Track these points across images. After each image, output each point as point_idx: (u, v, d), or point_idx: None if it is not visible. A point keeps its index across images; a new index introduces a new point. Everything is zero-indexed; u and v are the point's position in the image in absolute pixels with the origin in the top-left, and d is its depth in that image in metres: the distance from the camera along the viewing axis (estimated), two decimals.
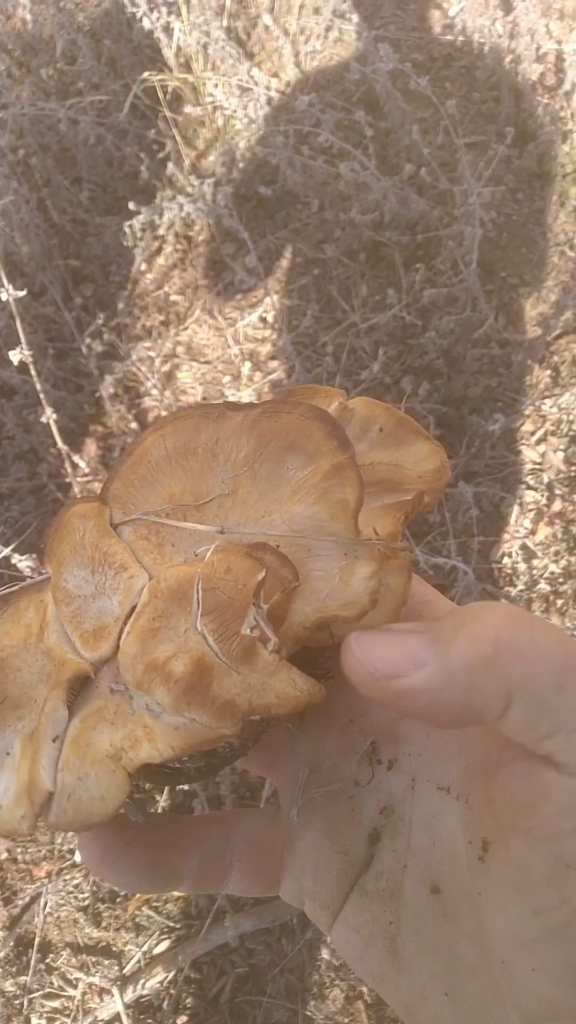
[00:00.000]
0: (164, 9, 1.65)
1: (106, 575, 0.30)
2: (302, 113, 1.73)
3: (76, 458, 1.28)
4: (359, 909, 0.31)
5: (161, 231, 1.65)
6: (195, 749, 0.26)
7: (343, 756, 0.33)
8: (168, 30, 1.69)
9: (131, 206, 1.56)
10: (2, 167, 1.64)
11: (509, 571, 1.37)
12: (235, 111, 1.76)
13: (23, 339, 1.10)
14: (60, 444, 1.16)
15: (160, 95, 1.70)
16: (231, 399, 1.59)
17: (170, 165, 1.71)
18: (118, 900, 1.18)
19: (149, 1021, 1.10)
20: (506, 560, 1.38)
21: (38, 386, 1.07)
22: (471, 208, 1.55)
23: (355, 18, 1.95)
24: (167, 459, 0.31)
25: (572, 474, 1.43)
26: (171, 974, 1.12)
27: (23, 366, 1.13)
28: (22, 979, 1.12)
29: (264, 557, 0.28)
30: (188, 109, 1.78)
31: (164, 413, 1.58)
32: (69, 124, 1.70)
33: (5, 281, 1.12)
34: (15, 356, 1.06)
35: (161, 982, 1.11)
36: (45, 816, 0.27)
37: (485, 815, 0.28)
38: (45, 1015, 1.12)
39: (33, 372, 1.13)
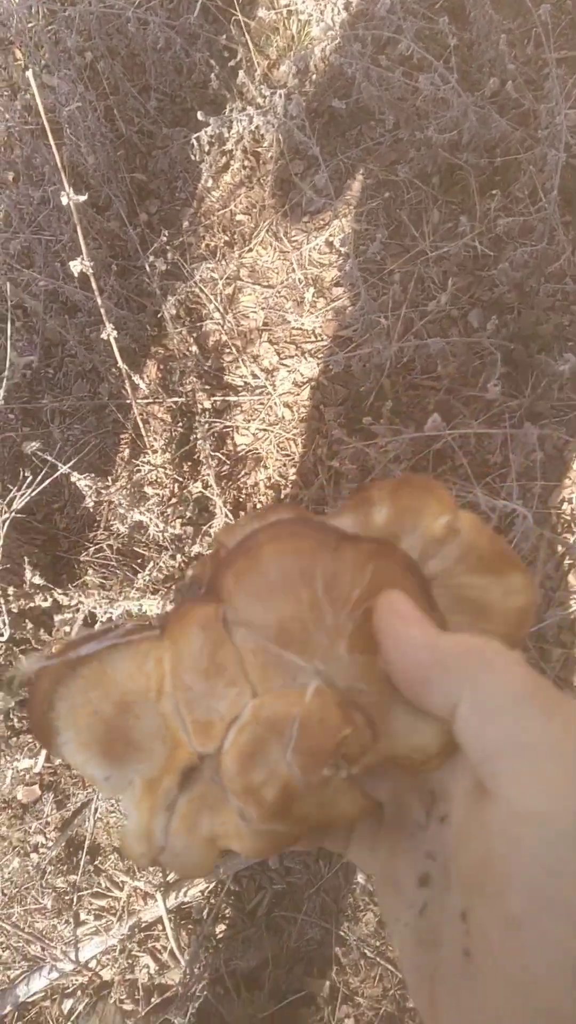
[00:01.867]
0: None
1: (217, 683, 0.31)
2: (382, 20, 1.42)
3: (136, 379, 1.10)
4: (414, 951, 0.28)
5: (229, 145, 1.40)
6: (273, 851, 0.30)
7: (413, 796, 0.31)
8: None
9: (200, 116, 1.31)
10: (69, 70, 1.39)
11: (568, 517, 1.18)
12: (311, 15, 1.45)
13: (84, 249, 0.90)
14: (120, 363, 0.98)
15: None
16: (295, 324, 1.38)
17: (241, 74, 1.44)
18: None
19: (189, 926, 1.02)
20: (565, 506, 1.18)
21: (99, 301, 0.89)
22: (557, 129, 1.26)
23: None
24: (284, 582, 0.30)
25: None
26: (212, 885, 1.02)
27: (86, 281, 0.94)
28: (72, 878, 1.04)
29: (354, 716, 0.29)
30: (262, 13, 1.48)
31: (226, 338, 1.38)
32: (138, 25, 1.42)
33: (67, 184, 0.91)
34: (76, 267, 0.87)
35: (202, 892, 1.02)
36: (157, 857, 0.30)
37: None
38: (93, 911, 1.04)
39: (95, 286, 0.94)
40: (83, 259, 0.91)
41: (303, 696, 0.29)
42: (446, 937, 0.27)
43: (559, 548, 1.14)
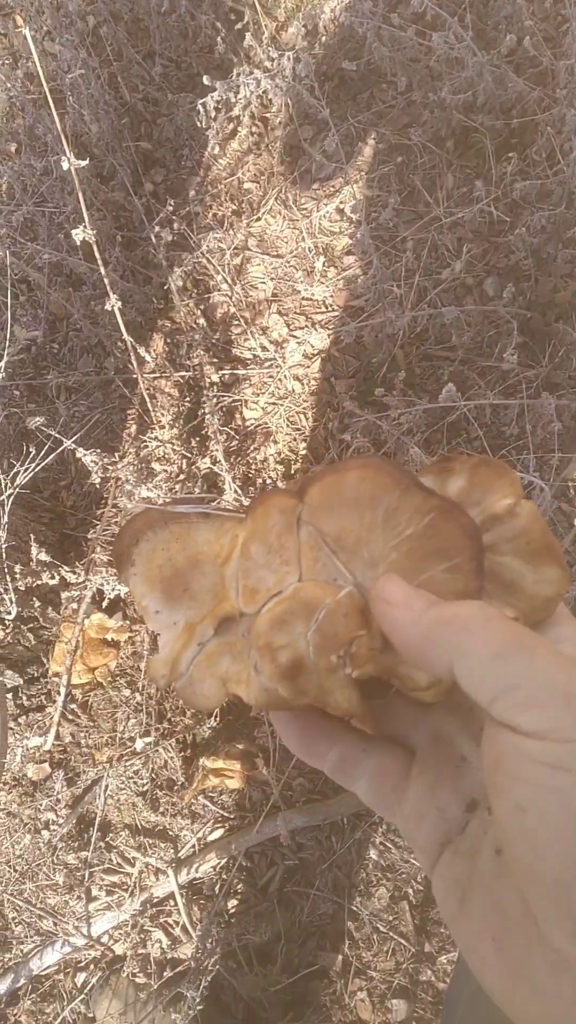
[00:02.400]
0: None
1: (275, 559, 0.35)
2: None
3: (142, 352, 1.08)
4: (450, 864, 0.32)
5: (236, 111, 1.37)
6: (269, 707, 0.34)
7: (460, 735, 0.35)
8: None
9: (206, 81, 1.27)
10: (71, 36, 1.36)
11: None
12: None
13: (85, 216, 0.88)
14: (125, 335, 0.97)
15: None
16: (304, 294, 1.35)
17: (248, 37, 1.40)
18: (176, 788, 1.09)
19: (201, 902, 1.02)
20: None
21: (103, 271, 0.87)
22: (575, 88, 1.22)
23: None
24: (356, 500, 0.35)
25: None
26: (224, 861, 1.02)
27: (90, 253, 0.92)
28: (83, 854, 1.05)
29: (372, 623, 0.33)
30: None
31: (234, 310, 1.35)
32: None
33: (68, 151, 0.89)
34: (78, 235, 0.85)
35: (214, 867, 1.02)
36: (174, 683, 0.35)
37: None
38: (104, 887, 1.04)
39: (98, 256, 0.92)
40: (85, 227, 0.89)
41: (338, 593, 0.34)
42: (483, 845, 0.31)
43: (573, 520, 1.12)
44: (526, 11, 1.35)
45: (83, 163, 0.90)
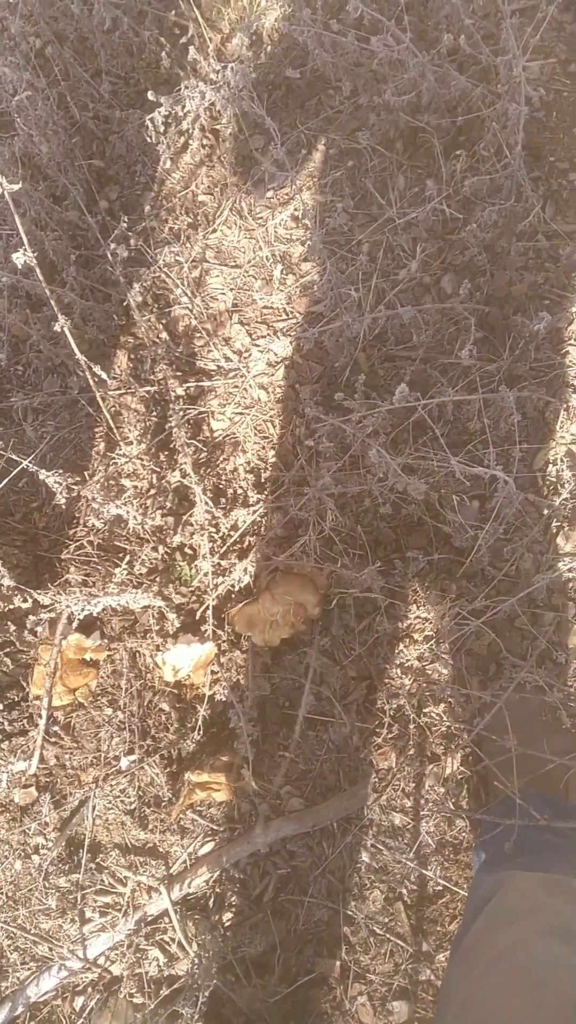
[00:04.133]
0: None
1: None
2: None
3: (99, 370, 1.09)
4: None
5: (186, 124, 1.38)
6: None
7: None
8: None
9: (151, 96, 1.29)
10: (15, 57, 1.38)
11: (553, 479, 1.17)
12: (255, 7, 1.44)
13: (24, 238, 0.90)
14: (79, 355, 0.98)
15: None
16: (264, 303, 1.37)
17: (192, 50, 1.42)
18: (163, 804, 1.09)
19: (196, 917, 1.02)
20: (551, 468, 1.18)
21: (47, 291, 0.88)
22: (516, 83, 1.25)
23: None
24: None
25: None
26: (216, 874, 1.03)
27: (47, 275, 0.93)
28: (75, 877, 1.05)
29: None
30: None
31: (195, 323, 1.37)
32: (82, 6, 1.41)
33: (1, 177, 0.90)
34: (18, 259, 0.87)
35: (207, 881, 1.03)
36: None
37: None
38: (98, 909, 1.05)
39: (41, 278, 0.93)
40: (24, 250, 0.91)
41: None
42: None
43: (544, 512, 1.14)
44: (464, 10, 1.38)
45: (15, 187, 0.91)
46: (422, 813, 1.03)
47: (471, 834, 1.02)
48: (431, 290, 1.33)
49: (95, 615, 1.19)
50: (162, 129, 1.36)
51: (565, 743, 1.00)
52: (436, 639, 1.10)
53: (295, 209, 1.41)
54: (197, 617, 1.22)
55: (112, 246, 1.30)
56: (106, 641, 1.21)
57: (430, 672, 1.10)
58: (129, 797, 1.09)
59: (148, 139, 1.37)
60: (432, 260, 1.34)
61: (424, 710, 1.08)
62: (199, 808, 1.08)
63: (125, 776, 1.10)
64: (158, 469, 1.31)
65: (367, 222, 1.39)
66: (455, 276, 1.32)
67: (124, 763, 1.11)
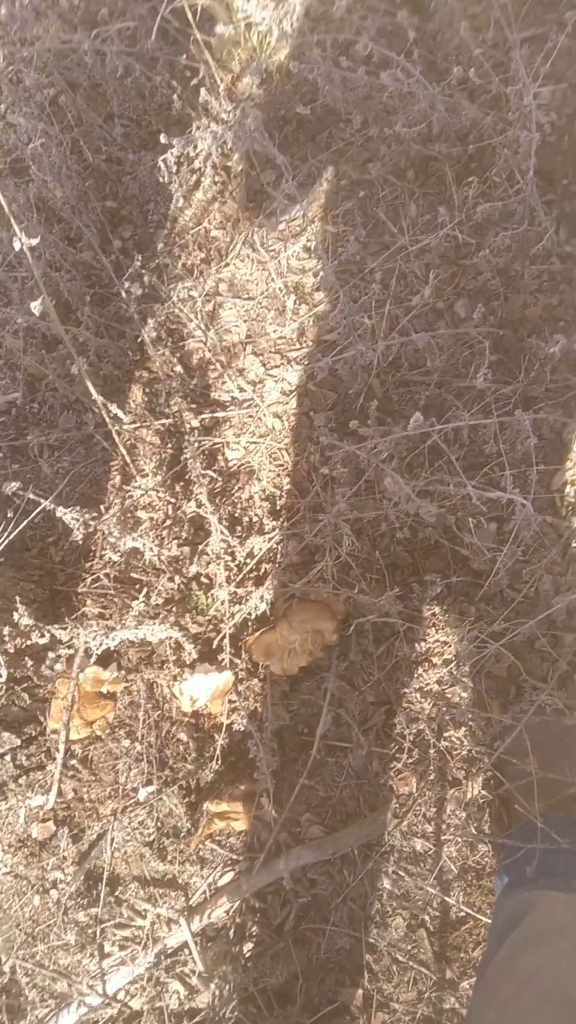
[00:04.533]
0: None
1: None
2: (340, 20, 1.66)
3: (115, 409, 1.31)
4: None
5: (197, 163, 1.63)
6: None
7: None
8: None
9: (163, 139, 1.54)
10: (30, 107, 1.65)
11: (572, 500, 1.34)
12: (269, 25, 1.70)
13: (40, 285, 1.12)
14: (95, 395, 1.19)
15: (189, 16, 1.66)
16: (278, 333, 1.59)
17: (203, 92, 1.68)
18: (182, 835, 1.25)
19: (217, 948, 1.17)
20: (568, 489, 1.35)
21: (63, 336, 1.10)
22: (527, 110, 1.47)
23: None
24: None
25: None
26: (236, 904, 1.18)
27: (63, 316, 1.15)
28: (93, 911, 1.21)
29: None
30: (220, 29, 1.73)
31: (209, 355, 1.59)
32: (95, 56, 1.68)
33: (18, 229, 1.13)
34: (36, 307, 1.08)
35: (227, 912, 1.18)
36: None
37: None
38: (117, 943, 1.20)
39: (54, 317, 1.16)
40: (43, 298, 1.13)
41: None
42: None
43: (563, 533, 1.30)
44: (473, 41, 1.62)
45: (34, 241, 1.13)
46: (443, 838, 1.17)
47: (494, 859, 1.15)
48: (445, 315, 1.53)
49: (112, 647, 1.38)
50: (174, 169, 1.60)
51: None
52: (456, 662, 1.26)
53: (307, 240, 1.64)
54: (214, 646, 1.40)
55: (126, 284, 1.53)
56: (123, 673, 1.39)
57: (450, 696, 1.25)
58: (148, 828, 1.25)
59: (160, 179, 1.62)
60: (445, 285, 1.54)
61: (444, 734, 1.23)
62: (218, 838, 1.23)
63: (143, 807, 1.26)
64: (174, 500, 1.50)
65: (379, 250, 1.60)
66: (468, 300, 1.52)
67: (142, 794, 1.27)
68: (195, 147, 1.53)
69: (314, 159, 1.67)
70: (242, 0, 1.67)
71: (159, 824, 1.25)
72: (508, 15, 1.66)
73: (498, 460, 1.36)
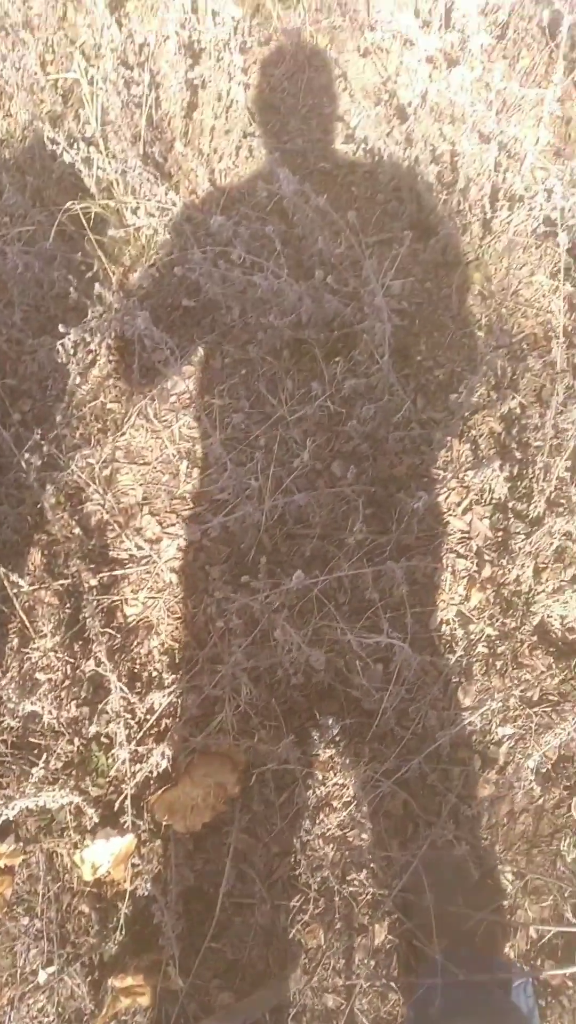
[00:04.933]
0: (83, 144, 1.85)
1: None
2: (217, 231, 1.91)
3: (15, 577, 1.37)
4: None
5: (93, 345, 1.80)
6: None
7: None
8: (88, 162, 1.88)
9: (61, 328, 1.70)
10: None
11: (448, 638, 1.47)
12: (155, 229, 1.94)
13: None
14: None
15: (84, 221, 1.88)
16: (173, 495, 1.71)
17: (98, 285, 1.87)
18: (86, 1019, 1.19)
19: None
20: (444, 628, 1.48)
21: None
22: (378, 306, 1.72)
23: (263, 135, 2.18)
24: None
25: (499, 540, 1.55)
26: None
27: None
28: None
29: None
30: (112, 232, 1.96)
31: (107, 517, 1.68)
32: None
33: None
34: None
35: None
36: None
37: None
38: None
39: None
40: None
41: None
42: None
43: (443, 670, 1.42)
44: (332, 245, 1.91)
45: None
46: (354, 991, 1.17)
47: (404, 1005, 1.16)
48: (323, 474, 1.70)
49: (10, 818, 1.35)
50: (72, 352, 1.76)
51: (480, 897, 1.19)
52: (355, 804, 1.31)
53: (196, 411, 1.80)
54: (116, 808, 1.39)
55: (26, 456, 1.63)
56: (21, 844, 1.35)
57: (351, 839, 1.29)
58: (48, 1016, 1.19)
59: (59, 360, 1.77)
60: (322, 449, 1.73)
61: (348, 878, 1.25)
62: (124, 1017, 1.18)
63: (43, 992, 1.20)
64: (72, 660, 1.54)
65: (262, 419, 1.78)
66: (343, 462, 1.70)
67: (42, 977, 1.21)
68: (92, 334, 1.69)
69: (200, 341, 1.87)
70: (129, 212, 1.91)
71: (60, 1009, 1.19)
72: (356, 231, 1.97)
73: (380, 603, 1.48)
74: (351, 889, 1.25)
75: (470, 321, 1.90)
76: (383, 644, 1.39)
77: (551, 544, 1.50)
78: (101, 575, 1.62)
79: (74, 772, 1.44)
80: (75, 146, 1.84)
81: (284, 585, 1.47)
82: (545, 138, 2.03)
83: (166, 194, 1.98)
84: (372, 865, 1.26)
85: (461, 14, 2.27)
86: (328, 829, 1.30)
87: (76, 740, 1.46)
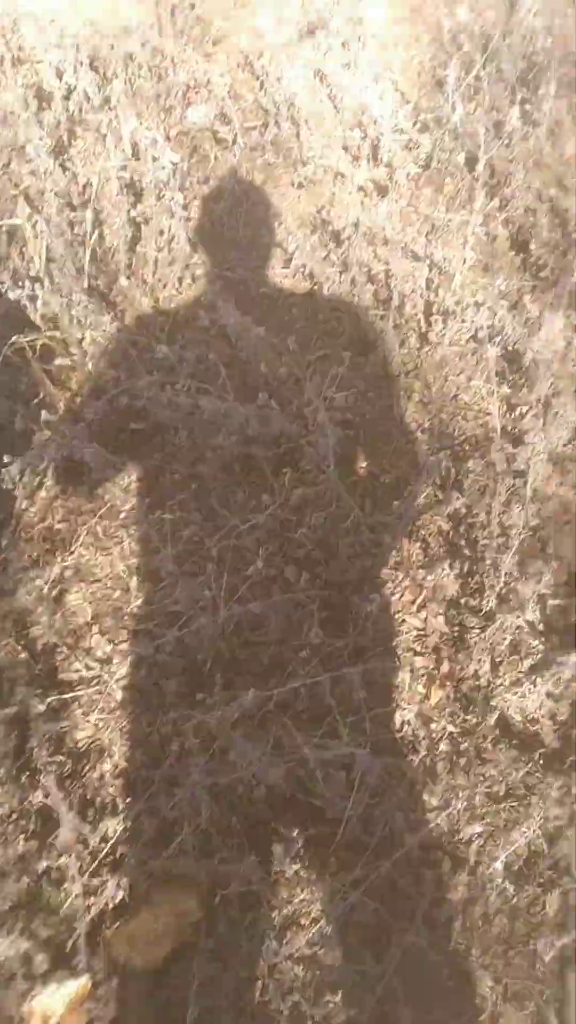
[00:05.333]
0: (28, 282, 2.08)
1: None
2: (162, 359, 2.12)
3: None
4: None
5: (40, 467, 1.95)
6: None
7: None
8: (33, 298, 2.11)
9: (6, 459, 1.83)
10: None
11: (411, 737, 1.55)
12: (102, 358, 2.15)
13: None
14: None
15: (30, 352, 2.08)
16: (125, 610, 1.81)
17: (44, 412, 2.04)
18: None
19: None
20: (406, 728, 1.56)
21: None
22: (321, 422, 1.91)
23: (205, 265, 2.46)
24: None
25: (455, 635, 1.67)
26: None
27: None
28: None
29: None
30: (59, 360, 2.17)
31: (55, 639, 1.77)
32: None
33: None
34: None
35: None
36: None
37: None
38: None
39: None
40: None
41: None
42: None
43: (407, 772, 1.50)
44: (273, 369, 2.13)
45: None
46: None
47: None
48: (277, 580, 1.83)
49: None
50: (18, 478, 1.91)
51: (460, 1005, 1.22)
52: (324, 918, 1.34)
53: (147, 527, 1.94)
54: (68, 949, 1.40)
55: None
56: None
57: (322, 957, 1.32)
58: None
59: (4, 487, 1.92)
60: (275, 556, 1.86)
61: (322, 1000, 1.27)
62: None
63: None
64: (19, 792, 1.58)
65: (214, 530, 1.92)
66: (296, 567, 1.83)
67: None
68: (37, 458, 1.85)
69: (149, 459, 2.04)
70: (75, 342, 2.12)
71: None
72: (302, 342, 2.20)
73: (338, 711, 1.57)
74: (325, 1012, 1.27)
75: (413, 427, 2.10)
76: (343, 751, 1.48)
77: (505, 639, 1.63)
78: (49, 700, 1.69)
79: (22, 913, 1.45)
80: (20, 284, 2.07)
81: (240, 700, 1.56)
82: (472, 257, 2.33)
83: (111, 323, 2.21)
84: (346, 984, 1.28)
85: (387, 149, 2.65)
86: (297, 948, 1.32)
87: (24, 878, 1.48)
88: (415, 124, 2.70)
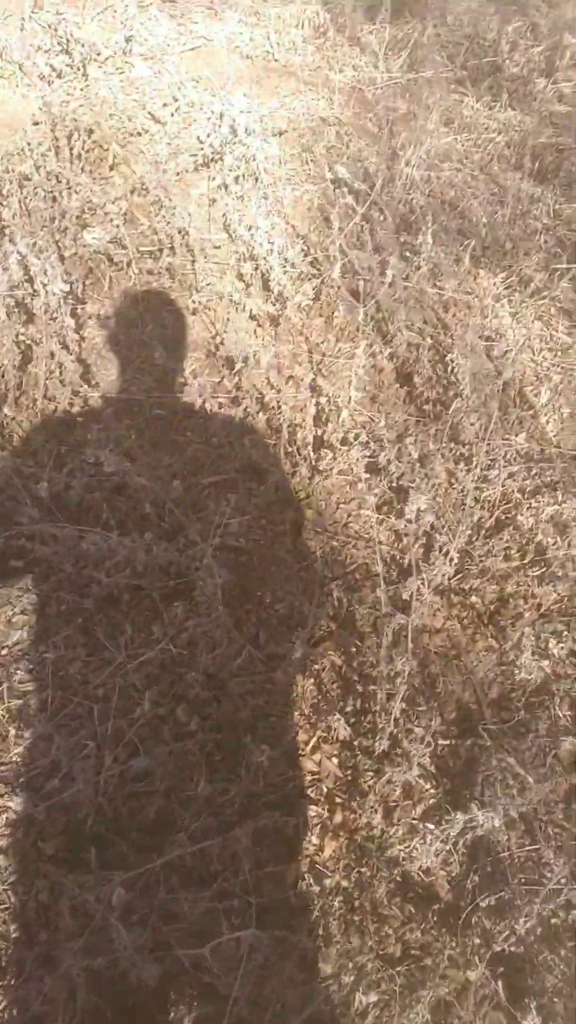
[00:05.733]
0: None
1: None
2: (46, 495, 2.05)
3: None
4: None
5: None
6: None
7: None
8: None
9: None
10: None
11: (304, 894, 1.47)
12: None
13: None
14: None
15: None
16: None
17: None
18: None
19: None
20: (301, 884, 1.49)
21: None
22: (208, 565, 1.87)
23: (98, 387, 2.42)
24: None
25: (348, 778, 1.62)
26: None
27: None
28: None
29: None
30: None
31: None
32: None
33: None
34: None
35: None
36: None
37: None
38: None
39: None
40: None
41: None
42: None
43: (297, 945, 1.41)
44: (165, 495, 2.09)
45: None
46: None
47: None
48: (167, 721, 1.74)
49: None
50: None
51: None
52: None
53: (31, 665, 1.83)
54: None
55: None
56: None
57: None
58: None
59: None
60: (164, 694, 1.77)
61: None
62: None
63: None
64: None
65: (101, 667, 1.82)
66: (188, 706, 1.75)
67: None
68: None
69: (34, 590, 1.94)
70: None
71: None
72: (194, 467, 2.18)
73: (231, 868, 1.48)
74: None
75: (306, 555, 2.09)
76: (233, 923, 1.38)
77: (396, 789, 1.59)
78: None
79: None
80: None
81: (115, 880, 1.44)
82: (358, 395, 2.39)
83: None
84: None
85: (278, 282, 2.72)
86: None
87: None
88: (305, 257, 2.80)
